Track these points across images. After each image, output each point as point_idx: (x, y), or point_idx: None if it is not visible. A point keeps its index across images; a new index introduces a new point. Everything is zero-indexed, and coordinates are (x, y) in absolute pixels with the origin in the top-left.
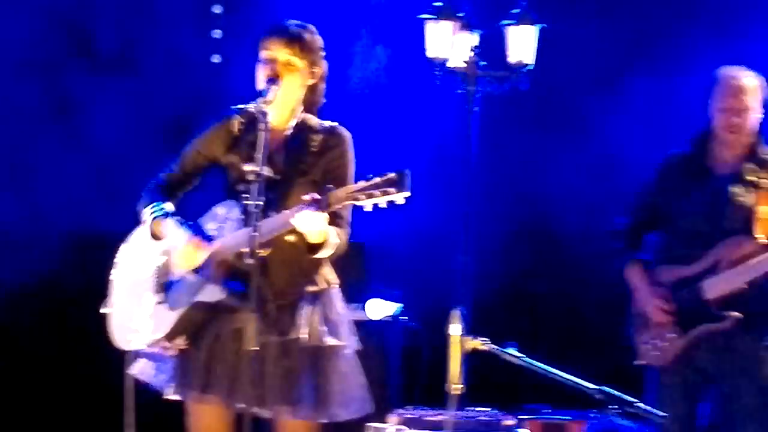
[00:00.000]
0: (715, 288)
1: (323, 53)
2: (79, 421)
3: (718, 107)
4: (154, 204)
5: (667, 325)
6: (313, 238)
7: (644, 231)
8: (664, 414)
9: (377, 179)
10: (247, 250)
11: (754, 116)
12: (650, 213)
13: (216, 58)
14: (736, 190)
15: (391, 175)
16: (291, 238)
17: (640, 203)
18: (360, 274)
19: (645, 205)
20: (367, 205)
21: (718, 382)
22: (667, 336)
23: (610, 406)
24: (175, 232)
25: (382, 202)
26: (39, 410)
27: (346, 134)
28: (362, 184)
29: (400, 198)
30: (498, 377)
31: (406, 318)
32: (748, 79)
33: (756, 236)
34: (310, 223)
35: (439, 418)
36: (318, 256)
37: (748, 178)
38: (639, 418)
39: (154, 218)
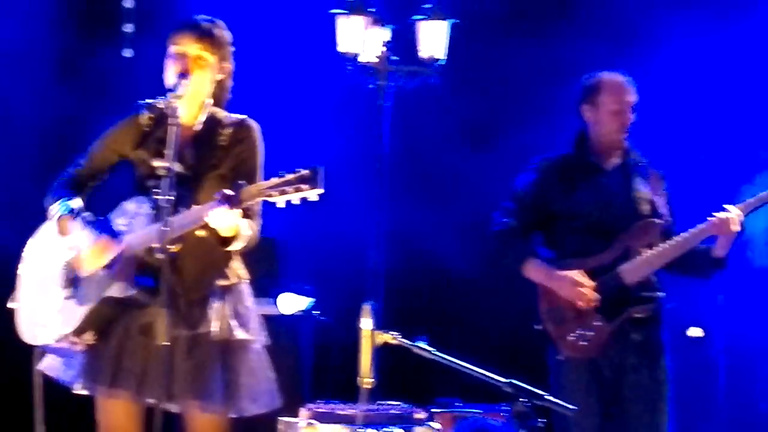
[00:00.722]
0: (634, 272)
1: (232, 49)
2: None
3: (612, 109)
4: (62, 200)
5: (592, 314)
6: (224, 232)
7: (530, 232)
8: (574, 407)
9: (290, 176)
10: (157, 245)
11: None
12: (535, 214)
13: (128, 53)
14: (634, 181)
15: (304, 171)
16: (201, 233)
17: (522, 205)
18: (272, 269)
19: (528, 207)
20: (280, 201)
21: (621, 372)
22: (594, 325)
23: (519, 399)
24: (81, 232)
25: (295, 198)
26: None
27: (255, 126)
28: (275, 180)
29: (313, 195)
30: (411, 371)
31: (318, 312)
32: (630, 81)
33: (658, 220)
34: (223, 219)
35: (350, 411)
36: (230, 248)
37: (637, 170)
38: (547, 412)
39: (60, 216)
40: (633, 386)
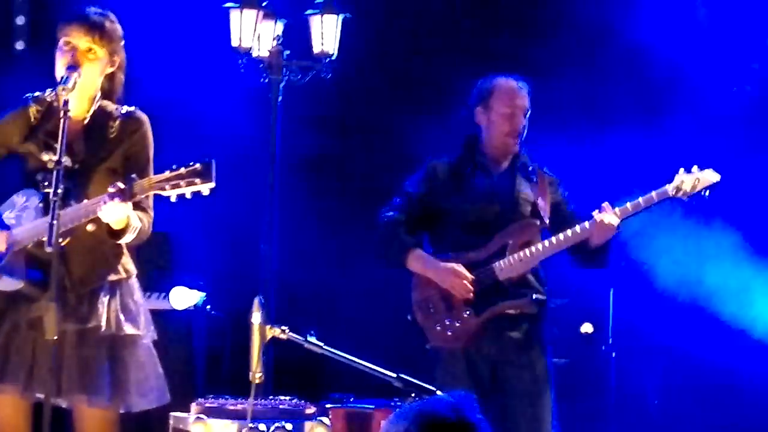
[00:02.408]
0: (508, 269)
1: (122, 42)
2: None
3: (503, 113)
4: None
5: (462, 306)
6: (115, 225)
7: (415, 226)
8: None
9: (182, 170)
10: (46, 239)
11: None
12: (420, 210)
13: (20, 45)
14: (518, 180)
15: (196, 165)
16: (91, 227)
17: (408, 201)
18: (165, 263)
19: (414, 203)
20: (172, 195)
21: (499, 367)
22: (463, 316)
23: (410, 394)
24: None
25: (187, 192)
26: None
27: (144, 118)
28: (167, 174)
29: (205, 189)
30: (305, 367)
31: (210, 307)
32: (523, 84)
33: (537, 221)
34: (115, 212)
35: (241, 406)
36: (121, 241)
37: (523, 172)
38: None
39: None
40: (512, 381)
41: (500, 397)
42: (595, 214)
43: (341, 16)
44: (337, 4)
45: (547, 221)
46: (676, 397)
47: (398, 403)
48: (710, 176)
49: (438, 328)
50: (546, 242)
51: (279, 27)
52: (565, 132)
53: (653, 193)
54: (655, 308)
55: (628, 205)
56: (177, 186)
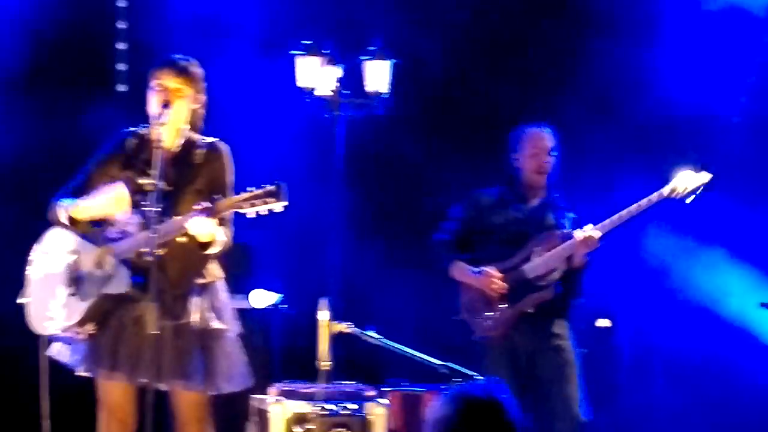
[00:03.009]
0: (534, 269)
1: (204, 83)
2: (2, 394)
3: (530, 153)
4: (75, 202)
5: (499, 300)
6: (203, 239)
7: (460, 245)
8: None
9: (258, 191)
10: (146, 249)
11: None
12: (465, 232)
13: (121, 87)
14: (548, 215)
15: (271, 187)
16: (183, 239)
17: (454, 225)
18: (246, 270)
19: (459, 227)
20: (250, 212)
21: (534, 356)
22: (499, 308)
23: (454, 379)
24: (91, 205)
25: (263, 210)
26: None
27: (225, 148)
28: (245, 195)
29: (278, 207)
30: (365, 356)
31: (285, 306)
32: (547, 130)
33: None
34: (201, 227)
35: (311, 390)
36: (208, 252)
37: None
38: None
39: (71, 207)
40: (546, 367)
41: (537, 381)
42: (576, 231)
43: (391, 62)
44: (386, 51)
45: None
46: (679, 383)
47: (444, 387)
48: (703, 176)
49: (480, 321)
50: (559, 247)
51: (338, 71)
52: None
53: (642, 201)
54: (659, 307)
55: (607, 221)
56: (254, 204)
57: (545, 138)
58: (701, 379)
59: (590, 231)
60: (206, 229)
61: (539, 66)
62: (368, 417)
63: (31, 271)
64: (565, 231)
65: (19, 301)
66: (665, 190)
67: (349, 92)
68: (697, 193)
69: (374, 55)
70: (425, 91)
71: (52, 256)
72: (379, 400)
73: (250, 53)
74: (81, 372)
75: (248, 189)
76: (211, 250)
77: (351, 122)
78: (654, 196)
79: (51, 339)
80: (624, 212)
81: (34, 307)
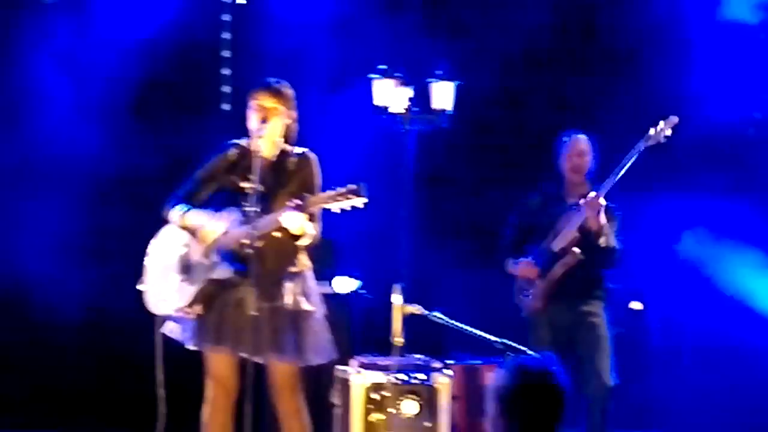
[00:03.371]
0: (557, 243)
1: (295, 102)
2: (124, 366)
3: (567, 155)
4: (181, 206)
5: (535, 281)
6: (294, 232)
7: (516, 247)
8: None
9: (342, 189)
10: (247, 241)
11: (591, 162)
12: (518, 234)
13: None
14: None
15: (352, 186)
16: (278, 234)
17: (510, 232)
18: (330, 261)
19: (513, 231)
20: (335, 208)
21: (572, 330)
22: (536, 284)
23: (508, 353)
24: (198, 217)
25: (347, 206)
26: (103, 360)
27: (314, 156)
28: (331, 192)
29: (359, 203)
30: (432, 334)
31: (364, 291)
32: (582, 136)
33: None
34: (293, 220)
35: (386, 362)
36: (299, 244)
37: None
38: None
39: (183, 213)
40: (582, 340)
41: (573, 353)
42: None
43: (454, 83)
44: (450, 73)
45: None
46: (704, 363)
47: (499, 360)
48: (672, 119)
49: (525, 300)
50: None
51: (409, 91)
52: None
53: (630, 154)
54: (688, 294)
55: (605, 182)
56: (338, 201)
57: (580, 142)
58: (724, 361)
59: (592, 194)
60: (297, 223)
61: (578, 86)
62: (435, 386)
63: (148, 262)
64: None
65: (138, 287)
66: (645, 140)
67: (418, 109)
68: (670, 135)
69: (439, 78)
70: (482, 108)
71: (166, 248)
72: (444, 371)
73: (335, 77)
74: (191, 346)
75: (332, 188)
76: (302, 242)
77: (420, 135)
78: (639, 145)
79: (165, 318)
80: (617, 170)
81: (151, 291)
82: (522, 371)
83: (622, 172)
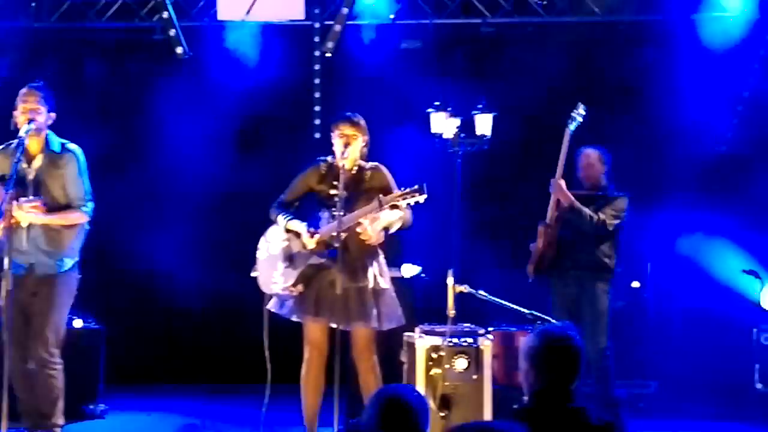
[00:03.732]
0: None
1: (367, 129)
2: (239, 334)
3: (580, 165)
4: (284, 213)
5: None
6: (366, 239)
7: None
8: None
9: (408, 189)
10: (335, 234)
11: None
12: None
13: (317, 135)
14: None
15: (416, 186)
16: (359, 229)
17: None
18: (398, 250)
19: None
20: (403, 203)
21: (576, 302)
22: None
23: (539, 323)
24: (299, 225)
25: (412, 201)
26: (223, 330)
27: (384, 168)
28: (399, 192)
29: (421, 199)
30: (477, 307)
31: (424, 275)
32: (592, 151)
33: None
34: (368, 231)
35: (442, 329)
36: (391, 231)
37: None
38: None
39: (288, 220)
40: (583, 309)
41: (578, 318)
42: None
43: (492, 114)
44: (489, 107)
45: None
46: (687, 326)
47: (529, 327)
48: (581, 109)
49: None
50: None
51: (457, 121)
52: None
53: (564, 144)
54: (676, 275)
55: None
56: (405, 198)
57: (589, 155)
58: (704, 327)
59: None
60: (369, 234)
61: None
62: (480, 347)
63: (259, 254)
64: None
65: (251, 274)
66: (571, 121)
67: (464, 135)
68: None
69: (481, 110)
70: (514, 133)
71: (272, 243)
72: (486, 336)
73: (401, 110)
74: (294, 318)
75: (400, 189)
76: (392, 229)
77: (465, 155)
78: (567, 135)
79: (271, 297)
80: (562, 153)
81: (262, 276)
82: (547, 335)
83: (564, 152)
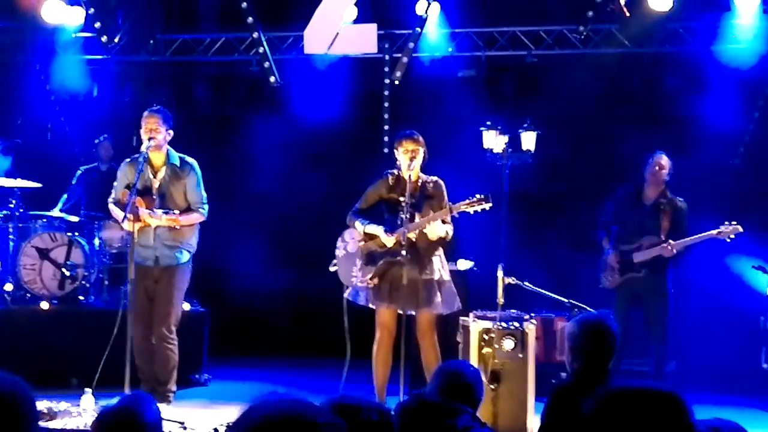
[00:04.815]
0: (638, 257)
1: (425, 144)
2: (322, 319)
3: (651, 171)
4: (361, 219)
5: (615, 270)
6: (433, 238)
7: (610, 227)
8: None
9: (475, 198)
10: (406, 234)
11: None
12: (609, 225)
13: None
14: (659, 212)
15: (482, 195)
16: (425, 230)
17: (607, 213)
18: (455, 249)
19: (610, 215)
20: (471, 210)
21: (643, 301)
22: (615, 275)
23: (576, 310)
24: (376, 228)
25: (479, 209)
26: (308, 316)
27: (441, 181)
28: (468, 201)
29: (487, 207)
30: (522, 296)
31: (477, 269)
32: (664, 156)
33: (662, 236)
34: (433, 231)
35: (493, 315)
36: (441, 238)
37: (661, 207)
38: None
39: (365, 225)
40: (650, 303)
41: (645, 308)
42: (663, 245)
43: (536, 132)
44: (533, 126)
45: (664, 237)
46: (707, 318)
47: (567, 314)
48: (737, 228)
49: (605, 279)
50: (652, 250)
51: (505, 138)
52: None
53: (702, 235)
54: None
55: (684, 240)
56: (473, 206)
57: (661, 161)
58: (720, 313)
59: (671, 245)
60: (435, 233)
61: (619, 134)
62: (524, 330)
63: (337, 252)
64: (660, 240)
65: (330, 269)
66: (714, 233)
67: (511, 150)
68: (732, 237)
69: (525, 129)
70: (554, 148)
71: (349, 243)
72: (530, 321)
73: (458, 128)
74: (370, 305)
75: (469, 197)
76: (443, 237)
77: (512, 167)
78: (705, 235)
79: (350, 287)
80: (693, 238)
81: (341, 270)
82: (585, 322)
83: (697, 242)
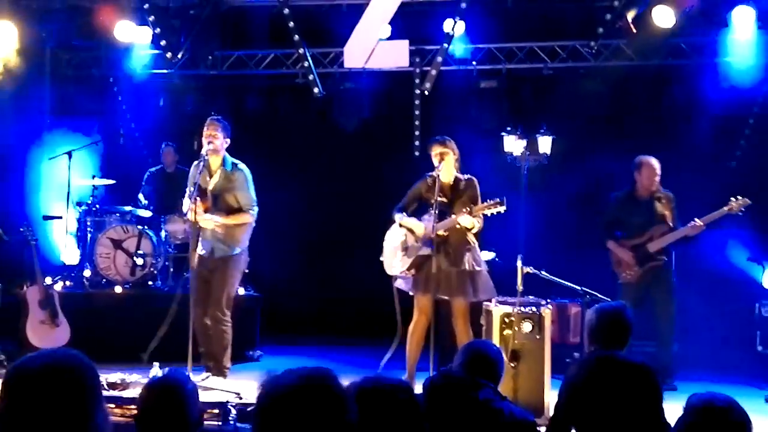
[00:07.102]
0: (653, 247)
1: (456, 147)
2: (374, 304)
3: (645, 175)
4: (401, 214)
5: (633, 264)
6: (467, 226)
7: (611, 225)
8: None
9: (492, 201)
10: (437, 229)
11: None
12: (613, 218)
13: (416, 152)
14: (656, 205)
15: (498, 199)
16: (457, 226)
17: (607, 213)
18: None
19: (611, 215)
20: (488, 212)
21: (650, 290)
22: (634, 268)
23: (588, 297)
24: (412, 221)
25: (495, 211)
26: (361, 301)
27: (475, 180)
28: (486, 204)
29: (502, 209)
30: (539, 284)
31: (498, 259)
32: (656, 160)
33: (669, 223)
34: (465, 221)
35: (513, 300)
36: (472, 231)
37: (656, 198)
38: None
39: (403, 217)
40: (657, 298)
41: (652, 302)
42: (691, 223)
43: (552, 137)
44: (549, 131)
45: (671, 224)
46: (707, 305)
47: (580, 300)
48: (746, 201)
49: (622, 273)
50: (671, 234)
51: (524, 142)
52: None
53: (716, 213)
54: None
55: (706, 217)
56: (490, 208)
57: (656, 166)
58: (718, 300)
59: (698, 222)
60: (467, 222)
61: (627, 138)
62: (541, 314)
63: (384, 244)
64: (670, 223)
65: (380, 258)
66: (726, 209)
67: (528, 152)
68: (743, 210)
69: (542, 134)
70: (567, 152)
71: (394, 237)
72: (547, 306)
73: (481, 133)
74: (411, 293)
75: (488, 200)
76: (473, 231)
77: (530, 168)
78: (723, 210)
79: (396, 277)
80: (714, 214)
81: (386, 261)
82: (601, 311)
83: (718, 217)
